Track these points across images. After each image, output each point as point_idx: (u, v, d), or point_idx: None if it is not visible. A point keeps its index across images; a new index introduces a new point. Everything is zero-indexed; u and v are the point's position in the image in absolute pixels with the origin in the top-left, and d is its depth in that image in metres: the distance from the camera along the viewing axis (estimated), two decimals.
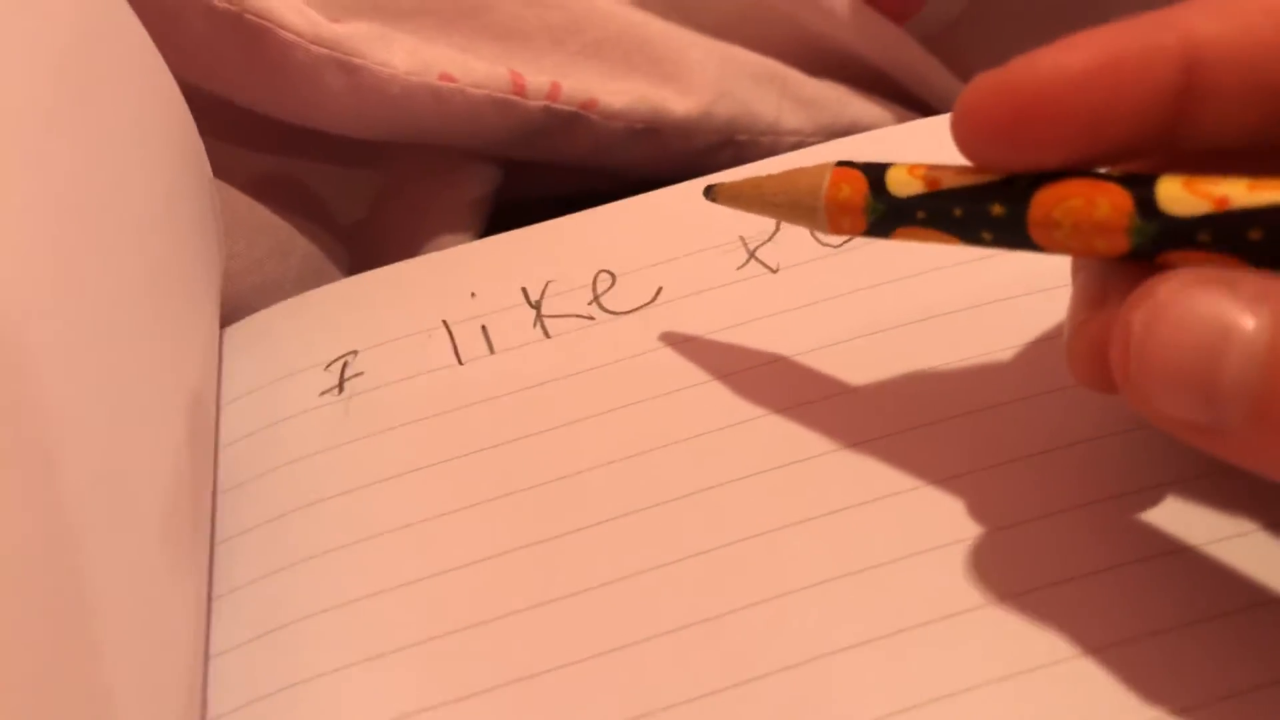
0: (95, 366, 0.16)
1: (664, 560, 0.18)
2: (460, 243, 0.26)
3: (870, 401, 0.20)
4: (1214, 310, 0.13)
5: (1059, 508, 0.18)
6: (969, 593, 0.17)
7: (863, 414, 0.20)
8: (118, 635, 0.15)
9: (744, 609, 0.17)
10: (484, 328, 0.23)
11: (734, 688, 0.17)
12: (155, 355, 0.19)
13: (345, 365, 0.22)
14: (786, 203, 0.18)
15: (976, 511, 0.18)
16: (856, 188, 0.17)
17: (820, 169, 0.18)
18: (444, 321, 0.23)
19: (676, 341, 0.22)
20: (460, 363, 0.22)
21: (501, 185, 0.28)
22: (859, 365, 0.20)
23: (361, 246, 0.28)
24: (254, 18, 0.23)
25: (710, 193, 0.20)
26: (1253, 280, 0.13)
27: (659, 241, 0.24)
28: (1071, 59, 0.14)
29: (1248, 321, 0.13)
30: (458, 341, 0.22)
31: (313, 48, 0.23)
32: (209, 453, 0.21)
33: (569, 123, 0.26)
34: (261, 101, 0.25)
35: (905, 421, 0.19)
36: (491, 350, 0.22)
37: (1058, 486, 0.18)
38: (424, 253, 0.26)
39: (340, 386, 0.22)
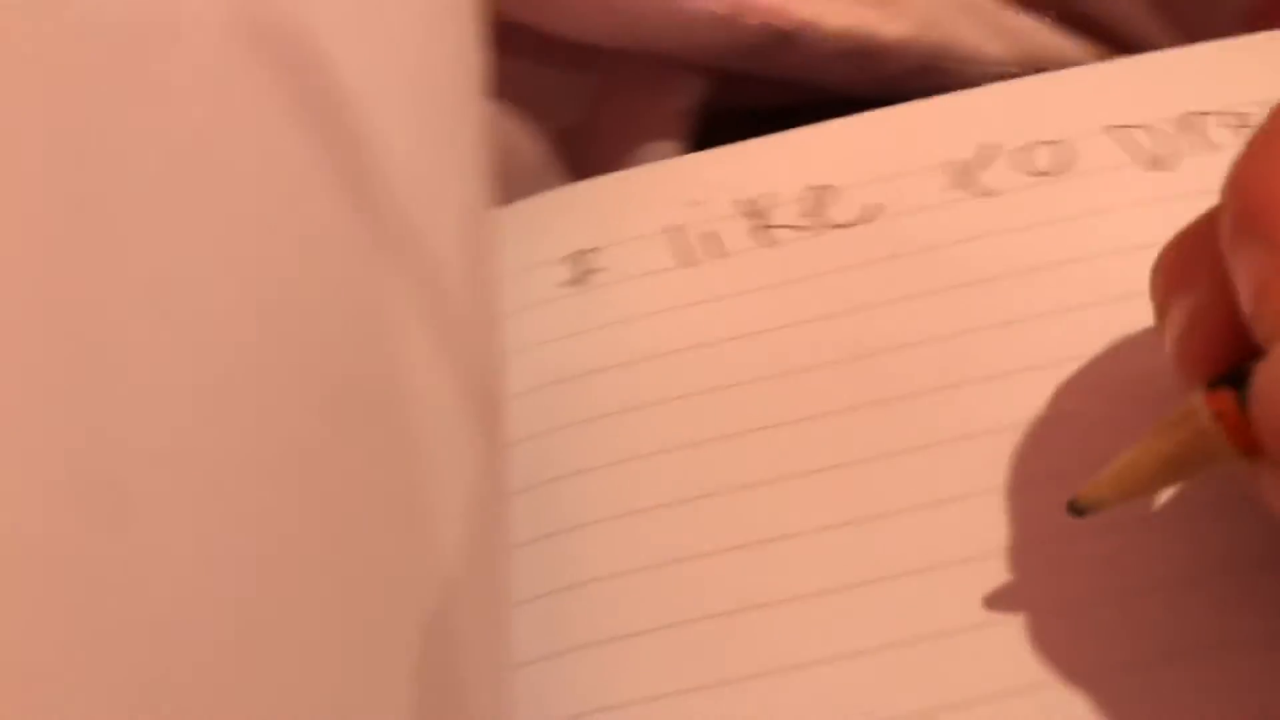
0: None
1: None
2: (669, 150, 0.28)
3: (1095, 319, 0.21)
4: None
5: None
6: None
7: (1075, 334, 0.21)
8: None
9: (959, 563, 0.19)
10: (709, 234, 0.24)
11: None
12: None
13: (584, 260, 0.24)
14: (1171, 464, 0.16)
15: None
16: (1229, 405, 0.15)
17: (1181, 415, 0.16)
18: (672, 225, 0.24)
19: (899, 254, 0.23)
20: (691, 266, 0.23)
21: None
22: (1079, 286, 0.22)
23: (575, 150, 0.29)
24: None
25: (1076, 509, 0.17)
26: None
27: (874, 160, 0.25)
28: None
29: None
30: (687, 246, 0.24)
31: None
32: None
33: (783, 41, 0.27)
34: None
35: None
36: (718, 255, 0.24)
37: None
38: (634, 158, 0.28)
39: (579, 279, 0.24)
